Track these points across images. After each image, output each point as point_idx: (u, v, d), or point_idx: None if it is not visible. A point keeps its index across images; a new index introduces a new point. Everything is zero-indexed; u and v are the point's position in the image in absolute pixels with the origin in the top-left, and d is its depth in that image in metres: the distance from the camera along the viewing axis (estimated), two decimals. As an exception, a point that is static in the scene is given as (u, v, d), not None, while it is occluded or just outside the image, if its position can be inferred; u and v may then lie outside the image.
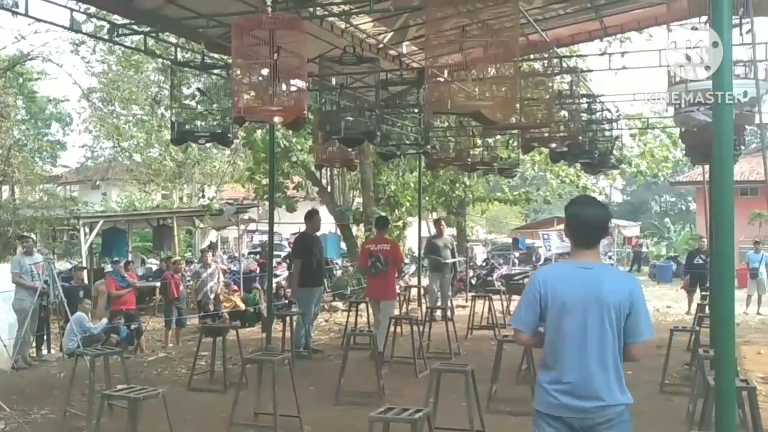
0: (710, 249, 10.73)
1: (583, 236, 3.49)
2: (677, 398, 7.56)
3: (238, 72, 6.24)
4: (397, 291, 15.68)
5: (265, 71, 6.30)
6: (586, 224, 3.48)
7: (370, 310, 10.78)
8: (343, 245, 21.18)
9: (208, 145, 15.14)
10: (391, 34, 10.73)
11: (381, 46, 10.83)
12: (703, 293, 11.89)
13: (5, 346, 9.97)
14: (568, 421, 3.39)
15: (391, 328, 9.39)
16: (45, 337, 11.31)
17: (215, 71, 9.35)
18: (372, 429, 4.54)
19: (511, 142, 13.47)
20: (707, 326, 9.56)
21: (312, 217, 10.52)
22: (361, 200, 19.26)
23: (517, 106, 6.16)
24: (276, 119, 6.24)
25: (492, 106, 5.84)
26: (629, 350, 3.41)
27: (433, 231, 12.58)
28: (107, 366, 7.07)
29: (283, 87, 6.21)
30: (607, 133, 11.96)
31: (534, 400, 3.59)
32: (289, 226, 22.26)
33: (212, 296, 13.36)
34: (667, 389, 7.94)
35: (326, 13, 8.52)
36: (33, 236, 12.52)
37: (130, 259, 17.93)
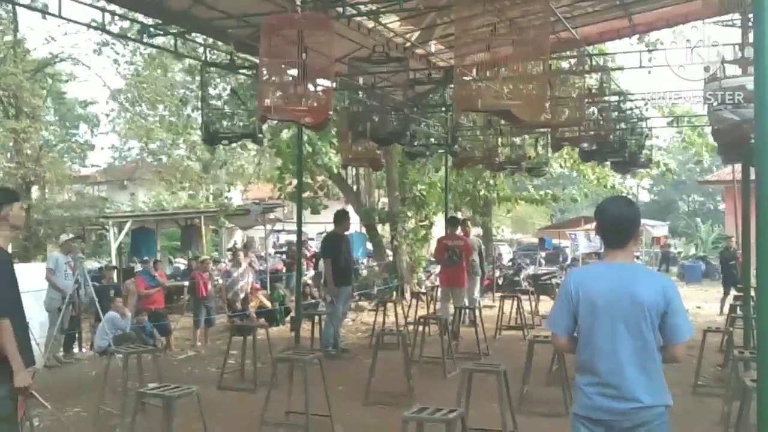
0: (742, 248, 10.60)
1: (613, 235, 3.46)
2: (710, 400, 7.47)
3: (265, 71, 6.24)
4: (425, 291, 15.75)
5: (292, 71, 6.32)
6: (615, 223, 3.46)
7: (399, 309, 11.56)
8: (369, 245, 21.17)
9: (233, 144, 15.26)
10: (418, 32, 10.71)
11: (408, 45, 10.81)
12: (736, 294, 11.71)
13: (38, 344, 10.10)
14: (606, 423, 3.34)
15: (419, 328, 9.42)
16: (76, 336, 11.43)
17: (244, 71, 9.37)
18: (406, 429, 4.52)
19: (539, 140, 13.37)
20: (740, 327, 9.47)
21: (342, 217, 10.55)
22: (386, 200, 19.24)
23: (547, 105, 6.09)
24: (307, 119, 6.23)
25: (522, 105, 5.79)
26: (671, 351, 3.36)
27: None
28: (140, 364, 7.14)
29: (311, 87, 6.21)
30: (638, 131, 11.85)
31: (573, 402, 3.55)
32: (315, 225, 22.31)
33: (242, 295, 13.43)
34: (699, 390, 7.86)
35: (355, 12, 8.51)
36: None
37: (158, 258, 18.10)
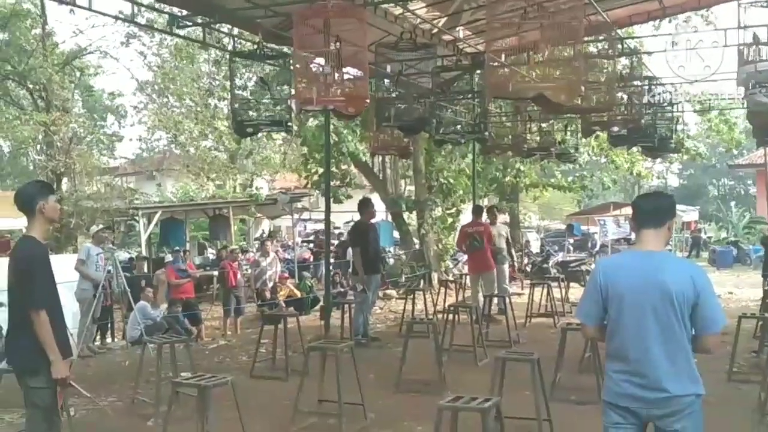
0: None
1: (647, 216, 3.45)
2: (746, 387, 7.36)
3: (302, 62, 6.23)
4: (453, 279, 15.70)
5: (324, 60, 6.30)
6: (653, 207, 3.47)
7: (428, 297, 11.36)
8: (395, 234, 21.15)
9: (260, 135, 15.26)
10: (445, 18, 10.63)
11: (435, 31, 10.74)
12: (769, 278, 11.54)
13: (71, 334, 10.22)
14: (634, 411, 3.35)
15: (449, 316, 9.38)
16: (108, 326, 11.56)
17: (271, 61, 9.37)
18: (441, 418, 4.51)
19: (568, 126, 13.23)
20: (776, 313, 9.32)
21: (366, 205, 10.56)
22: (412, 188, 19.20)
23: (582, 88, 6.02)
24: (350, 109, 6.22)
25: (555, 88, 5.72)
26: (704, 341, 3.33)
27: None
28: (173, 354, 7.19)
29: (345, 76, 6.20)
30: (668, 116, 11.69)
31: (603, 389, 3.55)
32: (341, 215, 22.35)
33: (270, 284, 13.51)
34: (735, 377, 7.75)
35: (383, -1, 8.47)
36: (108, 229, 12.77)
37: (187, 248, 18.25)
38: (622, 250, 25.71)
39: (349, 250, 13.10)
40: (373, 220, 10.86)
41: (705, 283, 3.30)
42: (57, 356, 4.17)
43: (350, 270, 13.20)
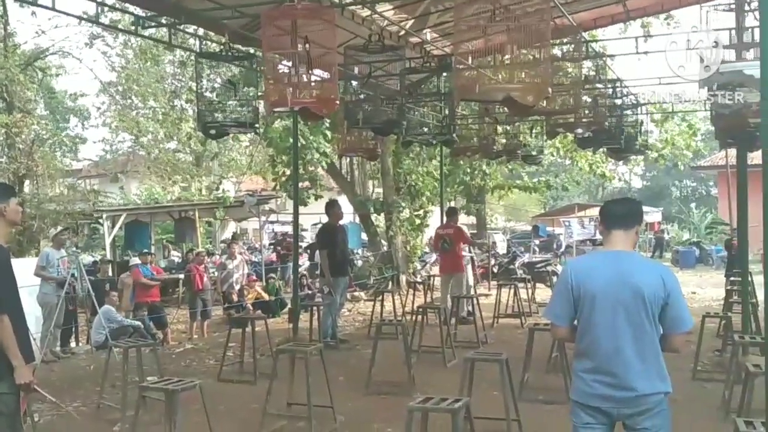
0: (738, 233, 10.64)
1: (615, 218, 3.51)
2: (710, 385, 7.52)
3: (272, 64, 6.20)
4: (421, 280, 15.73)
5: (292, 62, 6.27)
6: (621, 211, 3.54)
7: (396, 299, 11.37)
8: (363, 235, 21.13)
9: (225, 137, 15.09)
10: (413, 21, 10.65)
11: (402, 33, 10.75)
12: (732, 279, 11.77)
13: (34, 339, 10.04)
14: (605, 410, 3.38)
15: (418, 318, 9.41)
16: (73, 330, 11.38)
17: (238, 62, 9.30)
18: (411, 419, 4.52)
19: (533, 128, 13.35)
20: (738, 312, 9.50)
21: (333, 207, 10.56)
22: (380, 190, 19.19)
23: (550, 89, 6.07)
24: (323, 110, 6.20)
25: (522, 90, 5.76)
26: (671, 340, 3.39)
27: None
28: (140, 358, 7.11)
29: (314, 77, 6.18)
30: (632, 118, 11.85)
31: (571, 389, 3.59)
32: (309, 216, 22.27)
33: (237, 287, 13.41)
34: (699, 376, 7.90)
35: (351, 1, 8.45)
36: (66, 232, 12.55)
37: (152, 251, 18.00)
38: (587, 251, 26.01)
39: (317, 253, 13.05)
40: (340, 222, 10.85)
41: (674, 283, 3.35)
42: (20, 361, 4.09)
43: (318, 272, 13.17)
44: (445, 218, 12.75)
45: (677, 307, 3.33)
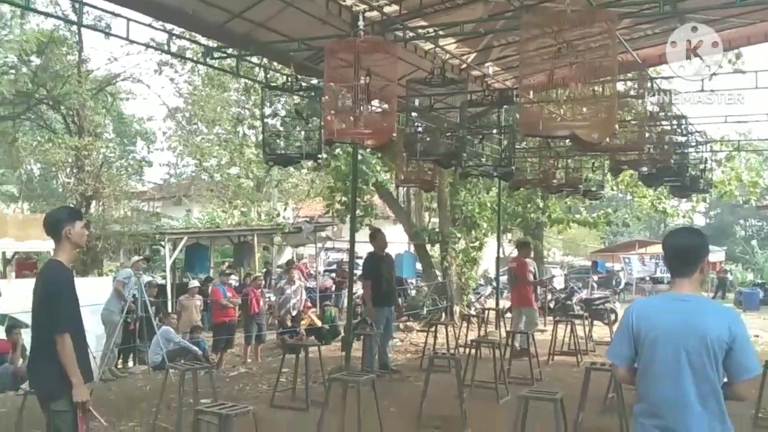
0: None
1: (678, 264, 3.39)
2: (774, 433, 7.22)
3: (330, 95, 6.29)
4: (475, 313, 15.56)
5: (352, 94, 6.35)
6: (682, 251, 3.40)
7: (450, 332, 11.69)
8: (418, 265, 21.08)
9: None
10: (474, 54, 10.71)
11: (464, 66, 10.81)
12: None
13: (94, 357, 10.30)
14: None
15: (472, 351, 9.29)
16: (131, 350, 11.63)
17: (302, 93, 9.49)
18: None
19: (594, 163, 13.17)
20: (805, 357, 9.11)
21: (376, 236, 10.56)
22: (437, 220, 19.15)
23: (617, 126, 6.00)
24: (368, 142, 6.27)
25: (588, 126, 5.71)
26: (735, 389, 3.26)
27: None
28: (195, 381, 7.20)
29: (372, 109, 6.24)
30: (697, 155, 11.62)
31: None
32: (365, 245, 22.40)
33: (294, 313, 13.51)
34: (761, 423, 7.58)
35: (414, 35, 8.55)
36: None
37: (210, 274, 18.33)
38: (647, 288, 25.40)
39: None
40: (386, 251, 10.80)
41: (742, 329, 3.23)
42: (79, 380, 4.21)
43: (360, 301, 13.15)
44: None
45: (743, 354, 3.21)
